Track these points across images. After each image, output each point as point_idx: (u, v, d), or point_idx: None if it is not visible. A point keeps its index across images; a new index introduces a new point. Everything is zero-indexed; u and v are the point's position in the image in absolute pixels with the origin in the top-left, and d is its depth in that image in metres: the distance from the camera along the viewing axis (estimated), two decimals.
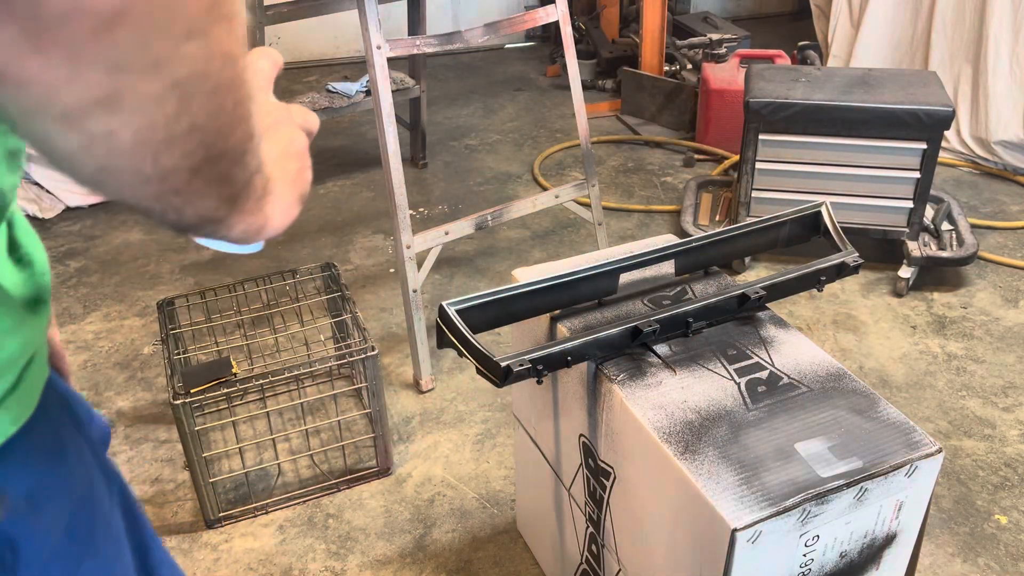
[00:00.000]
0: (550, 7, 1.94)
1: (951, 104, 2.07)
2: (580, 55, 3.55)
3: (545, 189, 2.79)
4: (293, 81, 3.80)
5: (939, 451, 0.92)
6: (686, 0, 4.20)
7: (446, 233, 1.87)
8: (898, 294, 2.19)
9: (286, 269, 1.91)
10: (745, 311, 1.12)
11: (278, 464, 1.71)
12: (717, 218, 2.47)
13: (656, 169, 2.95)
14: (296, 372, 1.56)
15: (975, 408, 1.82)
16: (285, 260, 2.44)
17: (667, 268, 1.18)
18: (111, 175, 0.37)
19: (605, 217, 2.36)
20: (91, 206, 2.76)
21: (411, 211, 2.69)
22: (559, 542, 1.35)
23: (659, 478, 0.96)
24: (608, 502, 1.11)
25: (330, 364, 1.63)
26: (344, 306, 1.76)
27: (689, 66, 3.40)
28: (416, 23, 2.64)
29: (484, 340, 1.01)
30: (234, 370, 1.53)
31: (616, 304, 1.16)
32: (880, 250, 2.30)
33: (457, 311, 1.04)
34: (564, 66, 2.74)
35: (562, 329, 1.12)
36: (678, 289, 1.18)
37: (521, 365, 0.99)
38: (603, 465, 1.10)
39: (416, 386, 1.91)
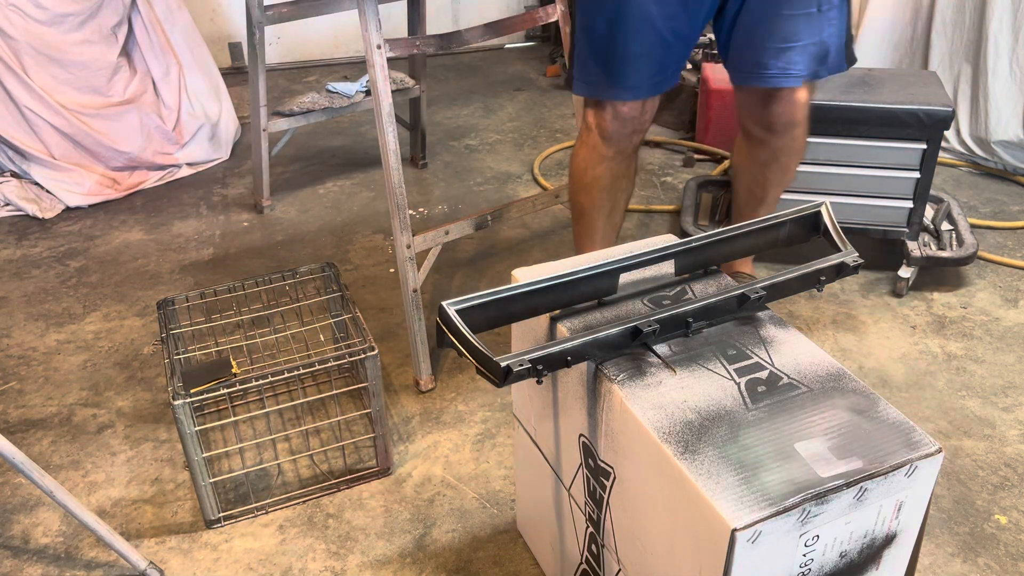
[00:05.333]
0: (550, 7, 1.94)
1: (951, 104, 2.07)
2: None
3: (545, 189, 2.79)
4: (293, 81, 3.80)
5: (939, 451, 0.92)
6: None
7: (446, 233, 1.87)
8: (898, 294, 2.19)
9: (286, 269, 1.91)
10: (745, 311, 1.12)
11: (278, 464, 1.71)
12: (717, 218, 2.47)
13: (656, 169, 2.96)
14: (296, 372, 1.56)
15: (975, 408, 1.82)
16: (285, 260, 2.44)
17: (667, 268, 1.18)
18: None
19: None
20: (91, 206, 2.76)
21: (411, 211, 2.69)
22: (559, 542, 1.35)
23: (659, 478, 0.96)
24: (608, 502, 1.11)
25: (330, 364, 1.63)
26: (344, 306, 1.76)
27: (689, 66, 3.39)
28: (416, 23, 2.64)
29: (484, 340, 1.01)
30: (234, 370, 1.53)
31: (616, 304, 1.16)
32: (880, 250, 2.31)
33: (457, 311, 1.04)
34: (564, 66, 2.74)
35: (562, 329, 1.12)
36: (678, 289, 1.19)
37: (521, 365, 0.99)
38: (603, 465, 1.10)
39: (416, 386, 1.91)
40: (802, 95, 1.69)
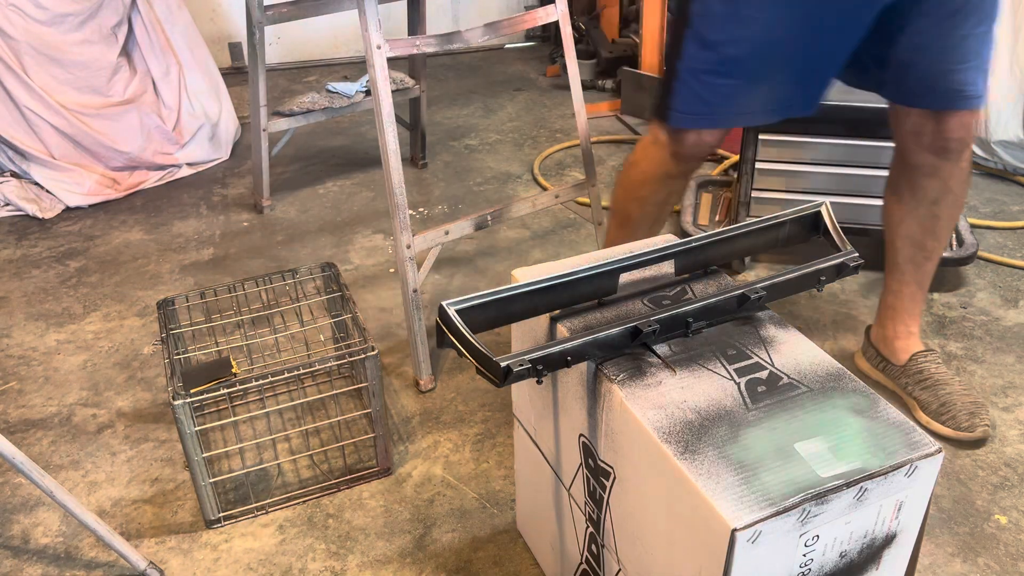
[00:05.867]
0: (550, 7, 1.94)
1: None
2: (580, 55, 3.55)
3: (545, 189, 2.79)
4: (293, 81, 3.80)
5: (939, 451, 0.93)
6: None
7: (446, 233, 1.87)
8: None
9: (286, 269, 1.91)
10: (745, 311, 1.12)
11: (278, 464, 1.71)
12: (717, 218, 2.47)
13: None
14: (296, 372, 1.56)
15: None
16: (285, 260, 2.44)
17: (667, 268, 1.18)
18: None
19: (605, 217, 2.36)
20: (91, 206, 2.76)
21: (411, 211, 2.69)
22: (559, 542, 1.35)
23: (659, 478, 0.96)
24: (608, 502, 1.11)
25: (330, 364, 1.63)
26: (344, 306, 1.76)
27: None
28: (416, 23, 2.64)
29: (484, 340, 1.01)
30: (234, 370, 1.53)
31: (616, 304, 1.16)
32: (880, 250, 2.30)
33: (457, 311, 1.04)
34: (564, 66, 2.74)
35: (562, 329, 1.12)
36: (678, 289, 1.19)
37: (521, 365, 0.99)
38: (603, 465, 1.10)
39: (416, 386, 1.91)
40: (979, 113, 1.57)
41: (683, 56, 1.48)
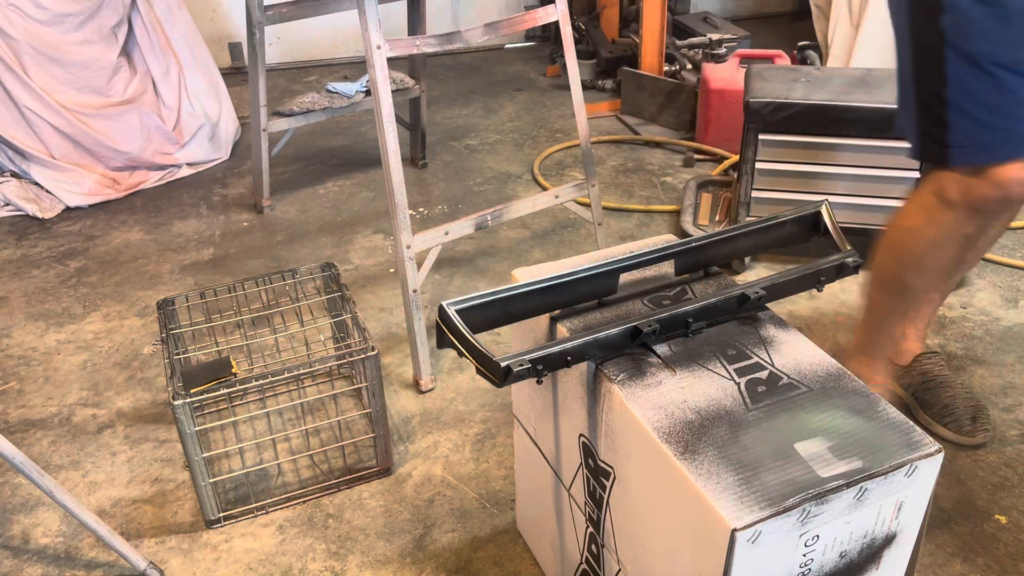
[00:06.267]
0: (550, 7, 1.94)
1: None
2: (580, 55, 3.55)
3: (545, 189, 2.79)
4: (293, 81, 3.80)
5: (939, 451, 0.92)
6: (686, 0, 4.20)
7: (446, 233, 1.87)
8: None
9: (286, 269, 1.91)
10: (745, 311, 1.12)
11: (278, 464, 1.71)
12: (717, 218, 2.47)
13: (656, 169, 2.95)
14: (296, 372, 1.56)
15: None
16: (285, 260, 2.44)
17: (667, 268, 1.18)
18: None
19: (605, 217, 2.36)
20: (91, 206, 2.76)
21: (411, 211, 2.69)
22: (559, 542, 1.35)
23: (658, 478, 0.96)
24: (608, 502, 1.11)
25: (330, 364, 1.63)
26: (344, 306, 1.76)
27: (689, 66, 3.40)
28: (416, 23, 2.64)
29: (484, 340, 1.02)
30: (234, 370, 1.53)
31: (616, 304, 1.16)
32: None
33: (457, 311, 1.04)
34: (564, 66, 2.74)
35: (562, 329, 1.12)
36: (678, 289, 1.19)
37: (521, 365, 0.99)
38: (603, 465, 1.10)
39: (416, 386, 1.91)
40: None
41: (948, 79, 1.29)
